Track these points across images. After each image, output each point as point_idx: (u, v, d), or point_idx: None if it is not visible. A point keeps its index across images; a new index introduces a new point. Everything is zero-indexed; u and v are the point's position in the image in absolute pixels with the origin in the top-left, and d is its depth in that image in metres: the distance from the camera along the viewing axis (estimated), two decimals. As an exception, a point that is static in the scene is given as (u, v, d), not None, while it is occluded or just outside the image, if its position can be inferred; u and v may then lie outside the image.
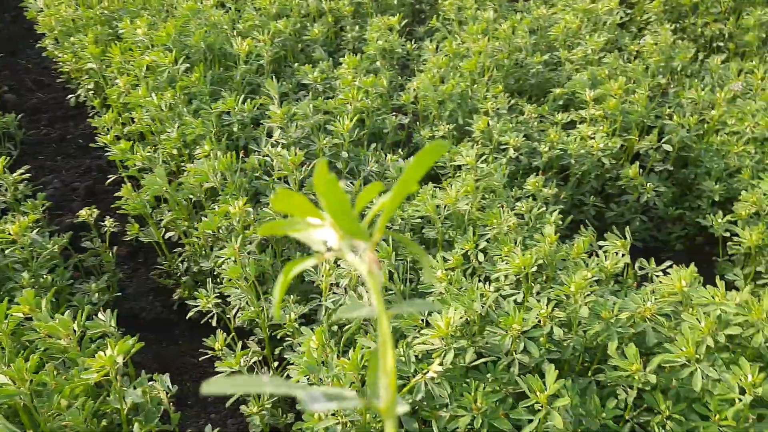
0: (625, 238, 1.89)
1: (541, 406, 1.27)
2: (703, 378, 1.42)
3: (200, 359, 2.11)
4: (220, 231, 1.81)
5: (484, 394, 1.32)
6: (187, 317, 2.22)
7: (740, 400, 1.37)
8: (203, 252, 2.06)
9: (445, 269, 1.61)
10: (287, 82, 2.64)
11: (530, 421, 1.28)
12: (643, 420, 1.50)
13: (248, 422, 1.69)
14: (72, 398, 1.17)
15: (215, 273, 1.97)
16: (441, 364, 1.30)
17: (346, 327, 1.48)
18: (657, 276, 1.91)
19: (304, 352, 1.34)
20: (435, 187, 2.05)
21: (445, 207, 1.94)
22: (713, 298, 1.59)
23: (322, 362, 1.35)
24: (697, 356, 1.46)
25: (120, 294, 2.22)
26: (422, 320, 1.47)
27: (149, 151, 2.03)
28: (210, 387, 0.42)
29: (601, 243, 1.93)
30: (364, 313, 0.47)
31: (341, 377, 1.32)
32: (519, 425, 1.33)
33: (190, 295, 2.21)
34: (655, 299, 1.62)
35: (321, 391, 0.44)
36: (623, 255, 1.87)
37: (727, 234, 2.40)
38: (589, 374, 1.64)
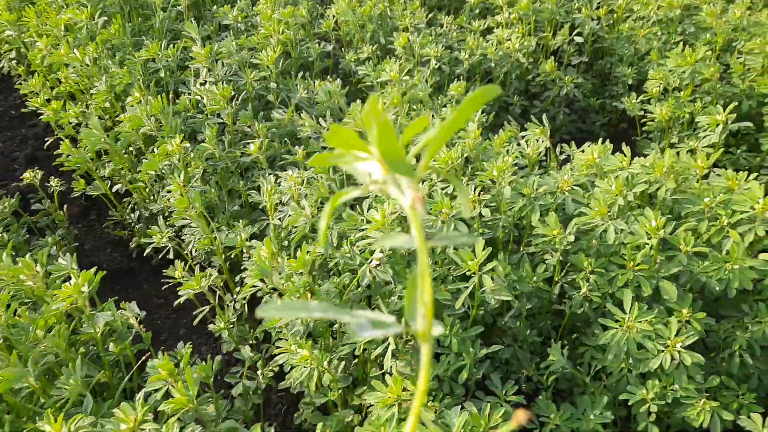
0: (544, 125, 2.04)
1: (473, 273, 1.42)
2: (616, 233, 1.60)
3: (166, 297, 2.22)
4: (163, 171, 1.88)
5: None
6: (149, 263, 2.32)
7: (648, 244, 1.55)
8: (151, 197, 2.14)
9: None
10: (209, 25, 2.67)
11: (465, 288, 1.44)
12: (570, 279, 1.68)
13: (221, 342, 1.82)
14: (46, 330, 1.27)
15: (165, 214, 2.06)
16: (381, 251, 1.43)
17: (292, 237, 1.60)
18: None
19: (256, 259, 1.45)
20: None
21: (374, 120, 2.05)
22: (621, 164, 1.76)
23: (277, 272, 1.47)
24: (610, 215, 1.63)
25: (78, 248, 2.29)
26: (361, 219, 1.59)
27: (82, 109, 2.08)
28: (263, 310, 0.44)
29: (523, 133, 2.08)
30: (401, 242, 0.46)
31: (293, 276, 1.44)
32: (457, 296, 1.48)
33: (146, 241, 2.30)
34: (572, 174, 1.78)
35: (366, 318, 0.43)
36: (543, 141, 2.02)
37: (642, 113, 2.58)
38: (521, 249, 1.81)
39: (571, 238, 1.59)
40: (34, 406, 1.18)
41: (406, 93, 2.24)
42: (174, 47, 2.25)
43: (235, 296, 1.81)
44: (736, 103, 2.38)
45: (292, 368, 1.42)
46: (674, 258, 1.60)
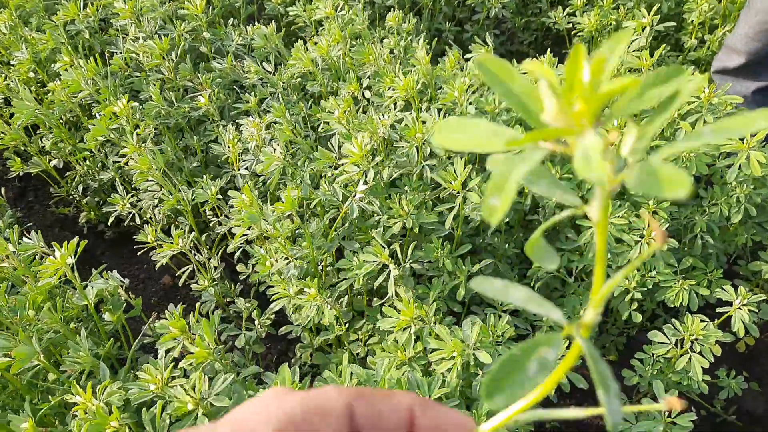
0: (488, 45, 2.06)
1: (457, 193, 1.45)
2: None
3: (127, 269, 2.14)
4: (111, 136, 1.79)
5: (408, 200, 1.48)
6: (102, 237, 2.22)
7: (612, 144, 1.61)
8: (96, 167, 2.03)
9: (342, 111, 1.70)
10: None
11: (451, 208, 1.46)
12: (540, 188, 1.73)
13: (203, 302, 1.79)
14: (37, 308, 1.20)
15: (120, 181, 1.97)
16: (365, 182, 1.43)
17: (268, 182, 1.57)
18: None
19: (238, 209, 1.42)
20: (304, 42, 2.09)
21: (321, 59, 2.01)
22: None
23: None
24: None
25: (23, 232, 2.16)
26: (335, 156, 1.58)
27: (6, 82, 1.93)
28: (479, 285, 0.39)
29: (468, 56, 2.09)
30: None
31: (279, 221, 1.42)
32: (443, 220, 1.51)
33: (96, 215, 2.19)
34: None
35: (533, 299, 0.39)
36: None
37: (570, 26, 2.64)
38: (487, 168, 1.85)
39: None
40: (44, 383, 1.13)
41: (343, 29, 2.19)
42: (92, 6, 2.11)
43: (209, 254, 1.77)
44: (658, 5, 2.48)
45: (293, 308, 1.41)
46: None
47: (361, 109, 1.92)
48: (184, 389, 1.03)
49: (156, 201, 1.82)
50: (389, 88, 1.85)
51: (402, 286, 1.38)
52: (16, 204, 2.29)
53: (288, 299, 1.44)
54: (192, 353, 1.14)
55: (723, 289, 1.53)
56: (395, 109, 1.82)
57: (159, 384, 1.04)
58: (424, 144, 1.57)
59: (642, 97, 0.34)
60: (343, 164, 1.48)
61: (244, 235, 1.37)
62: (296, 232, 1.56)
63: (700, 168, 1.65)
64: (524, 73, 0.37)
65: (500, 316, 1.47)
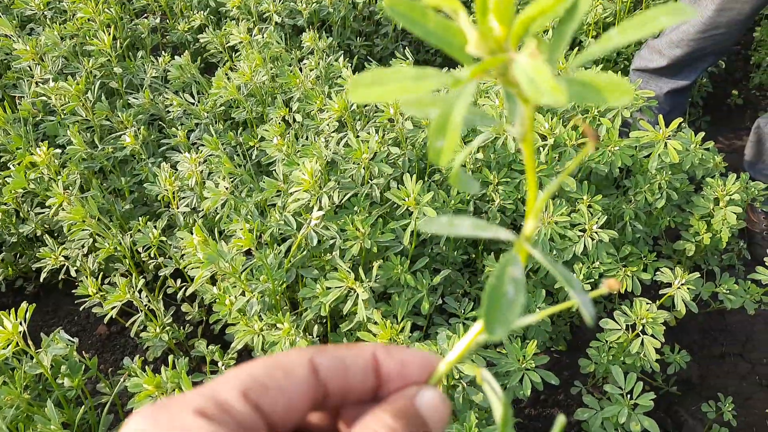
0: (408, 58, 2.10)
1: (412, 210, 1.46)
2: (514, 141, 1.72)
3: (57, 323, 2.01)
4: (31, 187, 1.67)
5: (362, 221, 1.48)
6: (22, 293, 2.07)
7: (545, 144, 1.69)
8: (12, 221, 1.90)
9: (278, 136, 1.68)
10: (9, 18, 2.35)
11: (405, 225, 1.48)
12: (480, 193, 1.78)
13: (146, 348, 1.70)
14: (-12, 385, 1.11)
15: (38, 235, 1.85)
16: (320, 208, 1.42)
17: (217, 218, 1.52)
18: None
19: (192, 251, 1.37)
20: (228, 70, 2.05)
21: (245, 86, 1.97)
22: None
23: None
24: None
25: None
26: (280, 184, 1.55)
27: None
28: (428, 226, 0.40)
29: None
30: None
31: (233, 260, 1.38)
32: (398, 236, 1.52)
33: (14, 271, 2.04)
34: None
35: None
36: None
37: (476, 33, 2.74)
38: (426, 179, 1.88)
39: (480, 155, 1.69)
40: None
41: (262, 53, 2.17)
42: (-14, 49, 1.96)
43: (154, 298, 1.69)
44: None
45: (265, 344, 1.37)
46: (563, 153, 1.76)
47: (293, 133, 1.91)
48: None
49: (85, 250, 1.72)
50: (320, 110, 1.85)
51: (369, 308, 1.38)
52: None
53: (252, 335, 1.40)
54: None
55: (661, 271, 1.64)
56: (330, 130, 1.81)
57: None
58: (369, 165, 1.57)
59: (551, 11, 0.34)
60: (292, 192, 1.46)
61: (204, 275, 1.32)
62: (246, 266, 1.52)
63: (624, 160, 1.76)
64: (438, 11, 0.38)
65: (464, 324, 1.50)
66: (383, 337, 1.24)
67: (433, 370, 0.40)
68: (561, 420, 0.43)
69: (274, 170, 1.60)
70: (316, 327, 1.39)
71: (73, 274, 1.64)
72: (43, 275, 1.64)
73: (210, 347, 1.43)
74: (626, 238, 1.83)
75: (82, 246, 1.71)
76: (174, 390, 1.10)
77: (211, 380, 0.36)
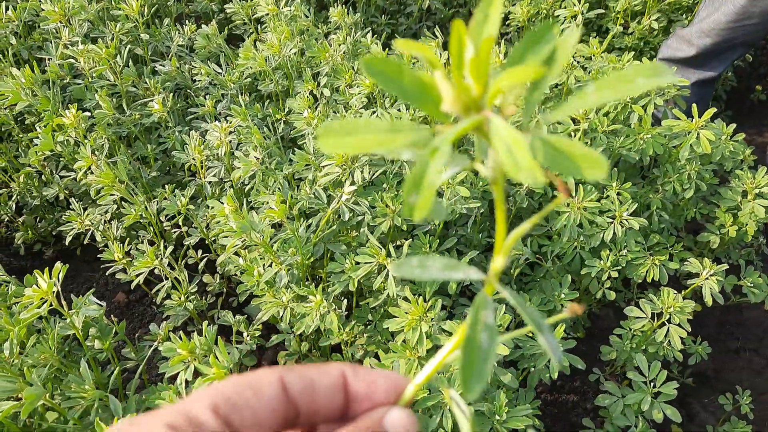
0: (437, 37, 2.07)
1: (443, 188, 1.45)
2: (547, 125, 1.70)
3: (77, 289, 2.00)
4: (58, 149, 1.66)
5: (391, 198, 1.47)
6: (41, 258, 2.07)
7: (577, 129, 1.67)
8: (35, 183, 1.88)
9: (308, 109, 1.66)
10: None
11: (440, 201, 1.46)
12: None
13: (168, 317, 1.70)
14: (19, 344, 1.10)
15: (60, 199, 1.84)
16: (353, 183, 1.40)
17: (248, 188, 1.51)
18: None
19: (221, 220, 1.36)
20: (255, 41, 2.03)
21: (273, 58, 1.95)
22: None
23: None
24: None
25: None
26: (311, 158, 1.54)
27: None
28: (400, 270, 0.39)
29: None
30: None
31: (263, 231, 1.37)
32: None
33: (33, 235, 2.03)
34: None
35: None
36: (441, 53, 2.05)
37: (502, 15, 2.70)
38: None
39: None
40: (50, 423, 1.03)
41: (290, 25, 2.14)
42: (15, 10, 1.94)
43: (178, 266, 1.69)
44: (587, -6, 2.58)
45: (295, 316, 1.37)
46: (595, 139, 1.74)
47: (321, 107, 1.89)
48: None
49: (108, 216, 1.71)
50: (348, 85, 1.83)
51: (396, 285, 1.38)
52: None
53: (279, 307, 1.39)
54: (202, 374, 1.09)
55: (689, 262, 1.63)
56: (358, 105, 1.80)
57: (183, 411, 0.98)
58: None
59: (523, 61, 0.34)
60: (323, 166, 1.45)
61: (235, 245, 1.31)
62: (276, 238, 1.51)
63: (656, 148, 1.74)
64: (415, 61, 0.37)
65: (496, 307, 1.49)
66: (414, 314, 1.24)
67: (401, 392, 0.40)
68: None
69: (304, 143, 1.58)
70: (345, 301, 1.38)
71: (98, 239, 1.63)
72: (68, 239, 1.63)
73: (237, 317, 1.42)
74: (653, 228, 1.81)
75: (106, 212, 1.70)
76: (206, 356, 1.09)
77: (182, 399, 0.37)
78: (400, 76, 0.33)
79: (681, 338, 1.54)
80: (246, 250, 1.50)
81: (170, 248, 1.47)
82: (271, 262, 1.40)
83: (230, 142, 1.60)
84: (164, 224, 1.74)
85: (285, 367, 0.39)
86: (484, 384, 0.31)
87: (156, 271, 1.50)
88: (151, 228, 1.64)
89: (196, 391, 0.37)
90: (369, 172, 1.52)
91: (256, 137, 1.58)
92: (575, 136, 1.69)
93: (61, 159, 1.74)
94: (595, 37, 2.77)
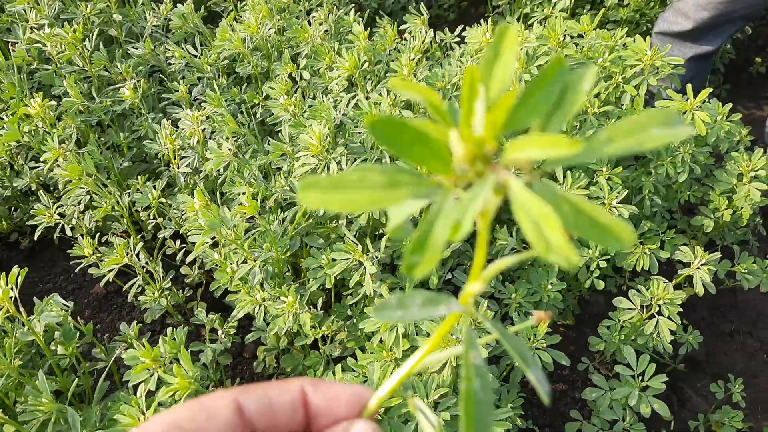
0: (422, 14, 1.99)
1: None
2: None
3: (53, 281, 1.96)
4: (26, 140, 1.60)
5: (370, 189, 1.40)
6: (17, 248, 2.02)
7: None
8: (6, 173, 1.82)
9: (285, 95, 1.59)
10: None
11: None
12: (496, 163, 1.71)
13: (143, 310, 1.65)
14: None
15: (33, 189, 1.78)
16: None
17: (219, 180, 1.45)
18: (455, 44, 2.07)
19: (192, 215, 1.30)
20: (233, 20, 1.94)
21: (250, 38, 1.87)
22: (518, 38, 1.77)
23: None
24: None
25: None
26: (287, 147, 1.48)
27: None
28: (380, 314, 0.37)
29: (403, 26, 2.01)
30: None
31: (236, 227, 1.32)
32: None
33: (8, 225, 1.98)
34: (471, 59, 1.77)
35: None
36: (426, 31, 1.97)
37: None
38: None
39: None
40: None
41: (269, 3, 2.06)
42: (-21, -10, 1.86)
43: (153, 261, 1.64)
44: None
45: (268, 317, 1.32)
46: (585, 121, 1.67)
47: (300, 92, 1.82)
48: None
49: (82, 207, 1.65)
50: (329, 67, 1.76)
51: (375, 281, 1.33)
52: None
53: (255, 305, 1.35)
54: (166, 384, 1.04)
55: (680, 250, 1.57)
56: (338, 89, 1.72)
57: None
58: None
59: (536, 109, 0.31)
60: (299, 156, 1.39)
61: (205, 243, 1.26)
62: (249, 233, 1.45)
63: (648, 132, 1.68)
64: (423, 112, 0.35)
65: (478, 302, 1.44)
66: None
67: (363, 405, 0.39)
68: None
69: (280, 132, 1.52)
70: (320, 299, 1.33)
71: (68, 232, 1.57)
72: (37, 233, 1.58)
73: (210, 315, 1.38)
74: (644, 212, 1.76)
75: (79, 203, 1.65)
76: (172, 362, 1.05)
77: (135, 427, 0.36)
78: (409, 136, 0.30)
79: (675, 328, 1.50)
80: (222, 245, 1.45)
81: (141, 242, 1.41)
82: (245, 258, 1.35)
83: (203, 130, 1.54)
84: (140, 214, 1.69)
85: (241, 387, 0.38)
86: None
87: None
88: (125, 220, 1.59)
89: (150, 418, 0.36)
90: (347, 162, 1.46)
91: (230, 125, 1.51)
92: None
93: (31, 149, 1.68)
94: (590, 10, 2.68)
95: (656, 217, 1.83)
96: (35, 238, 1.62)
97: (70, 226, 1.67)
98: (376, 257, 1.32)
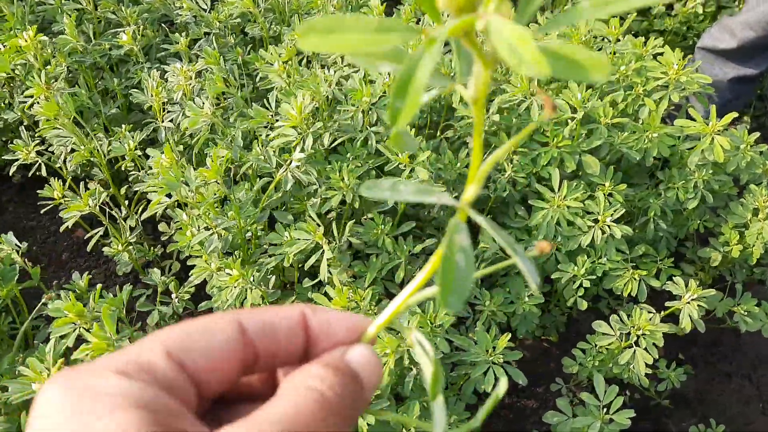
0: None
1: (405, 166, 1.31)
2: (539, 109, 1.53)
3: (39, 220, 1.95)
4: (16, 72, 1.57)
5: (349, 171, 1.34)
6: (10, 181, 2.01)
7: (573, 117, 1.50)
8: (1, 104, 1.80)
9: (282, 62, 1.52)
10: None
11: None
12: (493, 161, 1.61)
13: (117, 262, 1.62)
14: None
15: (23, 123, 1.75)
16: (302, 150, 1.28)
17: (194, 140, 1.40)
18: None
19: (157, 172, 1.25)
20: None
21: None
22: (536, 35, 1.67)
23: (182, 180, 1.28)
24: (531, 91, 1.55)
25: None
26: (271, 115, 1.41)
27: None
28: (369, 190, 0.38)
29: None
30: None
31: (203, 188, 1.26)
32: (387, 191, 1.37)
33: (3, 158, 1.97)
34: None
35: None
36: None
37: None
38: (438, 135, 1.72)
39: (496, 118, 1.51)
40: None
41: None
42: None
43: (127, 213, 1.60)
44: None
45: (206, 293, 1.27)
46: (595, 131, 1.57)
47: (304, 60, 1.75)
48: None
49: (69, 149, 1.62)
50: (337, 38, 1.68)
51: (336, 267, 1.26)
52: None
53: (209, 273, 1.30)
54: (88, 342, 1.00)
55: (673, 281, 1.46)
56: (343, 62, 1.65)
57: (43, 382, 0.90)
58: (371, 109, 1.42)
59: None
60: (279, 126, 1.32)
61: (161, 202, 1.21)
62: (224, 197, 1.40)
63: (662, 150, 1.57)
64: None
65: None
66: (338, 303, 1.12)
67: (362, 332, 0.39)
68: (502, 385, 0.43)
69: (268, 98, 1.45)
70: (273, 278, 1.27)
71: (43, 173, 1.54)
72: (12, 169, 1.55)
73: (164, 278, 1.33)
74: (647, 236, 1.65)
75: (65, 144, 1.61)
76: (93, 322, 1.00)
77: (133, 344, 0.35)
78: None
79: (651, 361, 1.40)
80: (189, 207, 1.40)
81: (105, 193, 1.37)
82: (206, 224, 1.30)
83: (191, 86, 1.48)
84: (123, 164, 1.65)
85: (243, 310, 0.37)
86: (462, 299, 0.31)
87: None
88: (103, 168, 1.55)
89: (150, 334, 0.35)
90: (330, 139, 1.39)
91: (217, 85, 1.45)
92: (571, 123, 1.52)
93: (22, 82, 1.65)
94: (637, 16, 2.54)
95: (661, 242, 1.72)
96: (10, 174, 1.59)
97: (56, 167, 1.64)
98: (339, 245, 1.25)
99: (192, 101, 1.49)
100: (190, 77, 1.47)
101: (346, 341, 0.39)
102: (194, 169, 1.24)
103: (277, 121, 1.38)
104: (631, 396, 1.88)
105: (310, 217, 1.25)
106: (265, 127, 1.42)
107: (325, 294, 1.17)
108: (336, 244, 1.28)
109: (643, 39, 1.72)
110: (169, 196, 1.27)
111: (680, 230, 1.75)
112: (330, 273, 1.26)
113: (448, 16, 0.32)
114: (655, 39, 1.70)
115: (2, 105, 1.76)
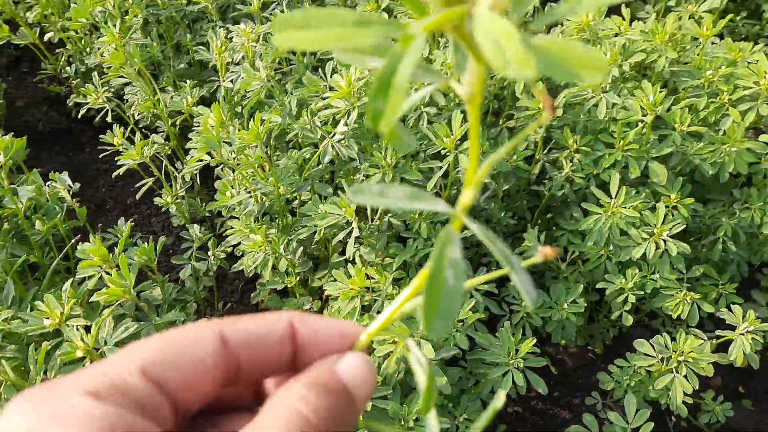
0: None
1: (448, 152, 1.27)
2: (608, 107, 1.44)
3: (112, 163, 2.03)
4: (96, 20, 1.63)
5: (394, 151, 1.30)
6: (91, 123, 2.11)
7: (642, 120, 1.40)
8: (86, 48, 1.88)
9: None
10: None
11: (439, 167, 1.29)
12: (552, 157, 1.54)
13: (171, 216, 1.67)
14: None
15: (101, 71, 1.82)
16: (346, 124, 1.26)
17: (246, 102, 1.40)
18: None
19: (202, 129, 1.27)
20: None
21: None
22: (619, 28, 1.56)
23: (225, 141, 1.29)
24: (603, 87, 1.46)
25: (8, 105, 2.05)
26: (324, 86, 1.40)
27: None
28: (355, 195, 0.36)
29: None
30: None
31: (246, 149, 1.27)
32: (429, 176, 1.33)
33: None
34: (563, 38, 1.59)
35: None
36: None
37: (640, -29, 2.33)
38: (501, 123, 1.65)
39: (559, 113, 1.43)
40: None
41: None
42: None
43: (183, 167, 1.64)
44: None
45: (243, 254, 1.28)
46: (667, 137, 1.46)
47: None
48: (80, 331, 0.92)
49: (138, 99, 1.67)
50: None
51: (366, 246, 1.24)
52: (9, 73, 2.17)
53: (243, 236, 1.31)
54: (108, 287, 1.03)
55: (729, 309, 1.35)
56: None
57: (55, 320, 0.93)
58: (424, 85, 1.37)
59: None
60: (325, 97, 1.31)
61: (200, 160, 1.23)
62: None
63: (739, 166, 1.44)
64: None
65: (471, 296, 1.32)
66: (355, 283, 1.10)
67: (354, 340, 0.38)
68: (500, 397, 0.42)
69: (320, 68, 1.44)
70: (302, 247, 1.27)
71: (109, 119, 1.60)
72: (81, 112, 1.62)
73: (203, 234, 1.35)
74: (712, 256, 1.52)
75: (135, 93, 1.67)
76: (112, 270, 1.03)
77: (108, 357, 0.34)
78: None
79: (691, 390, 1.30)
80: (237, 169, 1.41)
81: (174, 143, 1.40)
82: (246, 187, 1.31)
83: (254, 48, 1.49)
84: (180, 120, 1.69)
85: (228, 319, 0.36)
86: (448, 324, 0.29)
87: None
88: (167, 121, 1.59)
89: (125, 347, 0.34)
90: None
91: (278, 49, 1.45)
92: (639, 126, 1.42)
93: (99, 30, 1.71)
94: (746, 18, 2.33)
95: (730, 266, 1.59)
96: (78, 116, 1.66)
97: (126, 115, 1.70)
98: (389, 222, 1.23)
99: (253, 64, 1.50)
100: (255, 39, 1.47)
101: (337, 349, 0.38)
102: (236, 130, 1.25)
103: (329, 90, 1.36)
104: (676, 423, 1.76)
105: (344, 192, 1.23)
106: (317, 96, 1.41)
107: (345, 270, 1.15)
108: (369, 223, 1.26)
109: (741, 44, 1.58)
110: (210, 155, 1.28)
111: (754, 255, 1.61)
112: (359, 252, 1.24)
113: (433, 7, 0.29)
114: (765, 45, 1.55)
115: (86, 51, 1.84)
